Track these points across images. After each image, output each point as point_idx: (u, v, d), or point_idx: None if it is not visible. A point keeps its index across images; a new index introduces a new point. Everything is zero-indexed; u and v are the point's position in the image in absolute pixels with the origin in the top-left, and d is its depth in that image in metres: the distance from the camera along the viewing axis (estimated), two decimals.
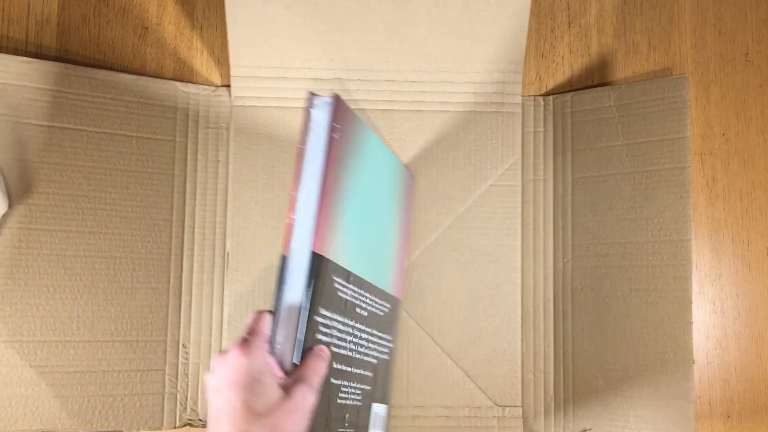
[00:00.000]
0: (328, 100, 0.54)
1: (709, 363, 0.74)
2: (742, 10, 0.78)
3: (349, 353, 0.58)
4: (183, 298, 0.70)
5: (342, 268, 0.56)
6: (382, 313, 0.65)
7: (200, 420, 0.69)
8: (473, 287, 0.72)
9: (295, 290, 0.51)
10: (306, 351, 0.50)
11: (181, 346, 0.70)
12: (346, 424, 0.58)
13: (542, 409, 0.71)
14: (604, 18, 0.77)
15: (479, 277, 0.72)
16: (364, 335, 0.61)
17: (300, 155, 0.53)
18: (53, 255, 0.66)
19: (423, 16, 0.69)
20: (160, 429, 0.68)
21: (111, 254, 0.68)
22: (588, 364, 0.70)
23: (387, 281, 0.66)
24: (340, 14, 0.68)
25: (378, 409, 0.64)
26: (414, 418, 0.70)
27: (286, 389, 0.48)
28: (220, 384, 0.47)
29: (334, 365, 0.55)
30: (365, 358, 0.61)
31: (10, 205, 0.65)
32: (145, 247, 0.69)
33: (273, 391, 0.47)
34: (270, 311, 0.51)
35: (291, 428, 0.47)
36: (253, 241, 0.71)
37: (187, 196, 0.71)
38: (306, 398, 0.48)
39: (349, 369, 0.58)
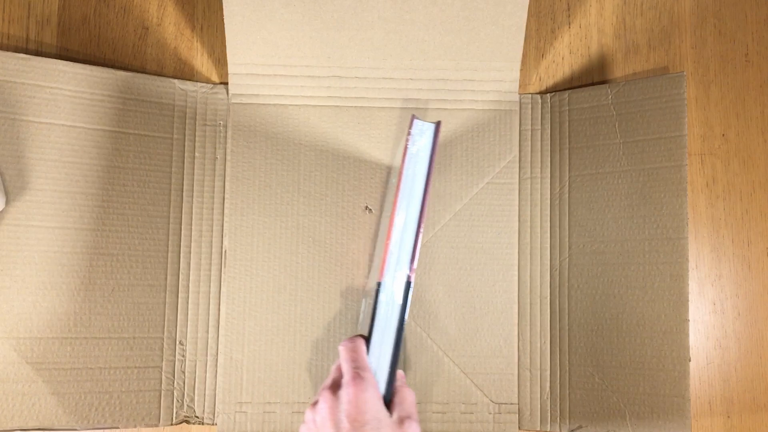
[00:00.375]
0: (431, 125, 0.54)
1: (709, 363, 0.74)
2: (742, 10, 0.77)
3: None
4: (180, 296, 0.70)
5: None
6: None
7: (196, 417, 0.69)
8: (470, 285, 0.71)
9: (391, 319, 0.52)
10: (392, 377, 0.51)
11: (178, 343, 0.70)
12: None
13: (538, 406, 0.71)
14: (604, 18, 0.77)
15: (476, 274, 0.71)
16: None
17: (400, 180, 0.53)
18: (50, 252, 0.67)
19: (421, 14, 0.69)
20: (156, 426, 0.68)
21: (108, 251, 0.68)
22: (584, 362, 0.69)
23: None
24: (338, 12, 0.69)
25: None
26: None
27: (399, 425, 0.48)
28: (337, 422, 0.47)
29: None
30: None
31: (8, 202, 0.66)
32: (143, 245, 0.69)
33: (391, 430, 0.47)
34: (362, 336, 0.51)
35: None
36: (250, 239, 0.71)
37: (185, 193, 0.71)
38: None
39: None
